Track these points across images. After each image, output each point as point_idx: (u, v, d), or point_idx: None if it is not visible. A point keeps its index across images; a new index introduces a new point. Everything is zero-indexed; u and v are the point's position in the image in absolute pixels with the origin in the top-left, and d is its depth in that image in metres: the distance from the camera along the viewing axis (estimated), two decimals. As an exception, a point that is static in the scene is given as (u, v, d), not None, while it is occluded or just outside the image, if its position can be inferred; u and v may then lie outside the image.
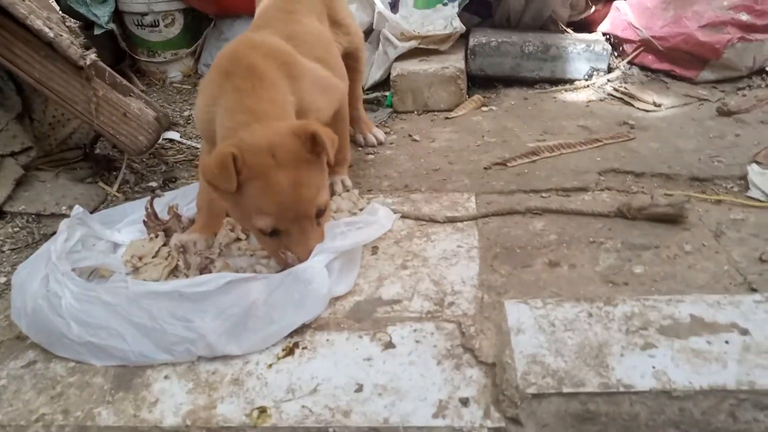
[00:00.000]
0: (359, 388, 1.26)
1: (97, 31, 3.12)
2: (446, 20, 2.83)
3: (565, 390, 1.21)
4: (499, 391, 1.22)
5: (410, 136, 2.45)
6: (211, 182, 1.42)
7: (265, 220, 1.43)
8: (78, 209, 1.67)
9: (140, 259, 1.64)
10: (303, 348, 1.38)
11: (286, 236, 1.47)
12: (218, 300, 1.36)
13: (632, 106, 2.59)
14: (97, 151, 2.35)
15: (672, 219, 1.74)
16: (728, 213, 1.77)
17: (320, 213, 1.51)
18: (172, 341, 1.35)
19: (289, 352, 1.37)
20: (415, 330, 1.40)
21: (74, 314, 1.37)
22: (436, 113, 2.68)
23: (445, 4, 2.90)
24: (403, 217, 1.85)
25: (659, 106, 2.56)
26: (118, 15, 3.27)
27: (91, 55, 1.90)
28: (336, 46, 2.06)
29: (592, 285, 1.51)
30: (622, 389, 1.20)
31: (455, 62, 2.70)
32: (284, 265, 1.50)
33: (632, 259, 1.60)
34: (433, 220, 1.82)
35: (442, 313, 1.45)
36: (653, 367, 1.24)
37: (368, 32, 2.95)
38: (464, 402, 1.22)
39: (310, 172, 1.46)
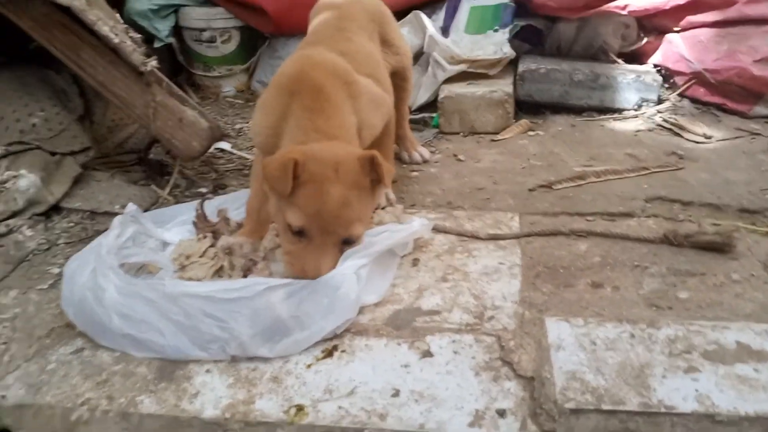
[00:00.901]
0: (396, 393, 1.27)
1: (157, 44, 3.25)
2: (496, 46, 2.85)
3: (605, 407, 1.19)
4: (537, 405, 1.21)
5: (455, 155, 2.47)
6: (269, 181, 1.46)
7: (298, 217, 1.45)
8: (132, 207, 1.72)
9: (188, 257, 1.68)
10: (342, 351, 1.39)
11: (307, 242, 1.48)
12: (251, 303, 1.38)
13: (681, 137, 2.57)
14: (152, 156, 2.42)
15: (719, 248, 1.71)
16: (779, 245, 1.74)
17: (349, 242, 1.51)
18: (206, 339, 1.38)
19: (328, 354, 1.39)
20: (453, 341, 1.40)
21: (116, 307, 1.42)
22: (482, 135, 2.69)
23: (495, 31, 2.93)
24: (445, 232, 1.86)
25: (710, 138, 2.53)
26: (177, 30, 3.39)
27: (152, 62, 1.98)
28: (385, 65, 2.11)
29: (635, 307, 1.49)
30: (663, 410, 1.18)
31: (504, 86, 2.72)
32: (291, 275, 1.50)
33: (677, 285, 1.58)
34: (475, 237, 1.82)
35: (482, 326, 1.44)
36: (696, 391, 1.22)
37: (418, 55, 2.99)
38: (501, 413, 1.21)
39: (360, 198, 1.50)
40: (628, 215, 1.94)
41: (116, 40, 1.91)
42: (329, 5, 2.14)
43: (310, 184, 1.44)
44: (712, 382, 1.24)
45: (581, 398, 1.22)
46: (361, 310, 1.51)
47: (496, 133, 2.68)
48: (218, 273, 1.64)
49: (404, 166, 2.38)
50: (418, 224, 1.72)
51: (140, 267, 1.68)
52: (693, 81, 2.84)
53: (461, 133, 2.73)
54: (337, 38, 1.95)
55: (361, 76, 1.82)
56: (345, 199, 1.45)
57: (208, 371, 1.36)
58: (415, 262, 1.72)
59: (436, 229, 1.87)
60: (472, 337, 1.41)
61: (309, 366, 1.35)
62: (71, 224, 1.95)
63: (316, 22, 2.14)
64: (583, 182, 2.16)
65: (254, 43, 3.50)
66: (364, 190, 1.51)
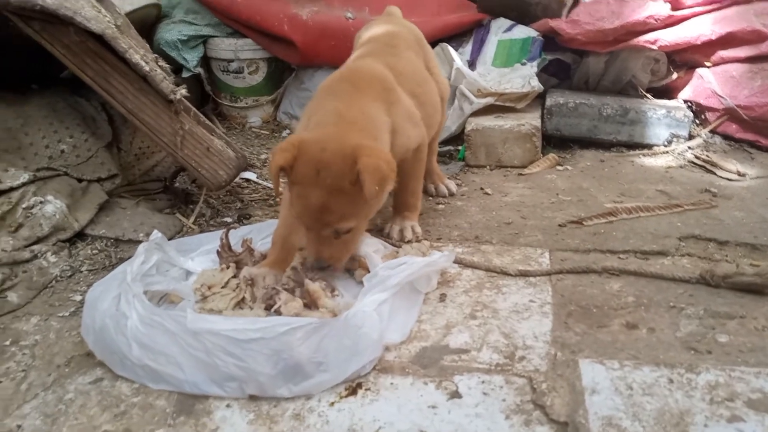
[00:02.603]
0: (423, 436, 1.22)
1: (185, 74, 3.27)
2: (524, 79, 2.83)
3: (644, 457, 1.13)
4: (572, 452, 1.16)
5: (482, 189, 2.43)
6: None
7: (294, 211, 1.61)
8: (156, 234, 1.71)
9: (209, 288, 1.65)
10: (366, 389, 1.35)
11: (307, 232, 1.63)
12: (271, 344, 1.34)
13: (714, 174, 2.51)
14: (177, 184, 2.42)
15: (759, 289, 1.66)
16: (822, 288, 1.67)
17: (342, 231, 1.60)
18: (225, 377, 1.34)
19: (352, 392, 1.34)
20: (483, 381, 1.35)
21: (137, 336, 1.39)
22: (509, 169, 2.66)
23: (523, 64, 2.91)
24: (473, 267, 1.82)
25: (743, 175, 2.47)
26: (205, 60, 3.43)
27: (182, 90, 1.98)
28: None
29: (672, 350, 1.43)
30: (707, 462, 1.12)
31: (531, 120, 2.68)
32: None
33: (716, 328, 1.52)
34: (504, 273, 1.78)
35: (513, 367, 1.39)
36: (742, 442, 1.15)
37: (445, 87, 2.98)
38: (533, 460, 1.15)
39: (341, 200, 1.54)
40: (662, 254, 1.88)
41: (146, 69, 1.92)
42: (375, 32, 2.18)
43: (297, 186, 1.57)
44: (759, 433, 1.17)
45: (619, 446, 1.16)
46: (387, 347, 1.46)
47: (524, 167, 2.65)
48: (239, 305, 1.61)
49: (430, 198, 2.35)
50: (437, 255, 1.68)
51: (163, 296, 1.66)
52: (725, 117, 2.79)
53: (488, 167, 2.70)
54: (386, 52, 2.02)
55: (404, 94, 1.87)
56: (323, 204, 1.54)
57: (228, 406, 1.32)
58: (443, 298, 1.68)
59: (464, 264, 1.83)
60: (503, 378, 1.35)
61: (332, 404, 1.31)
62: (95, 251, 1.94)
63: (364, 39, 2.19)
64: (614, 219, 2.11)
65: (281, 74, 3.52)
66: (344, 192, 1.54)
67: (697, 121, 2.89)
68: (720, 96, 2.77)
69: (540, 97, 2.91)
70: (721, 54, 2.81)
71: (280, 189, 1.58)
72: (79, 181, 2.03)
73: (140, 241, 1.92)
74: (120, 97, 1.95)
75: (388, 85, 1.81)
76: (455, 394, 1.32)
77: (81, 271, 1.87)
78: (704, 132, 2.83)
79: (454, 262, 1.81)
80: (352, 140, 1.56)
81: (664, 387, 1.30)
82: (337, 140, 1.56)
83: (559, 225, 2.08)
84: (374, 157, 1.52)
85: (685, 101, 2.93)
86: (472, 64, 3.04)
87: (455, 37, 3.22)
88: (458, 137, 2.88)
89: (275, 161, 1.54)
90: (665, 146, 2.78)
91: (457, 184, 2.47)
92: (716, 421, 1.21)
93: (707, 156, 2.64)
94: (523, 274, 1.77)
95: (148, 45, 2.21)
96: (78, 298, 1.74)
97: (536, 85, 2.80)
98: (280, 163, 1.53)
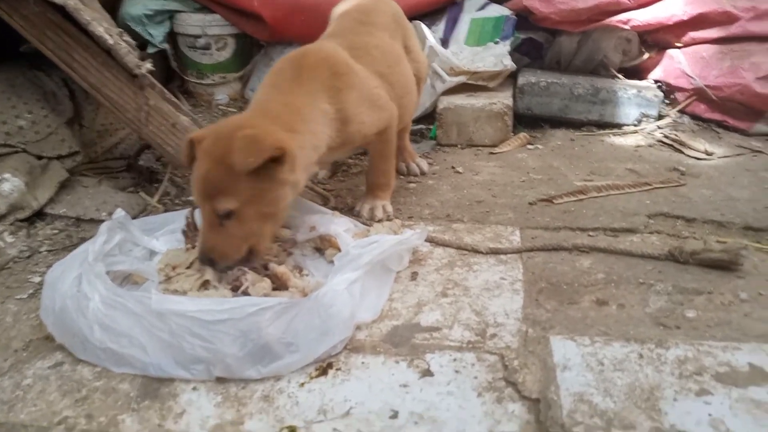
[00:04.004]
0: (394, 415, 1.20)
1: (150, 50, 3.18)
2: (497, 58, 2.81)
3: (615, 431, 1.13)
4: (543, 429, 1.15)
5: (453, 168, 2.42)
6: None
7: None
8: (120, 212, 1.66)
9: (174, 268, 1.61)
10: (337, 369, 1.33)
11: None
12: (239, 324, 1.30)
13: (682, 153, 2.53)
14: (141, 162, 2.35)
15: (726, 266, 1.67)
16: (787, 264, 1.69)
17: (222, 215, 1.49)
18: (191, 359, 1.30)
19: (323, 372, 1.32)
20: (454, 359, 1.34)
21: (99, 318, 1.34)
22: (480, 148, 2.64)
23: (496, 43, 2.89)
24: (444, 245, 1.80)
25: (711, 154, 2.49)
26: (171, 36, 3.33)
27: (147, 65, 1.92)
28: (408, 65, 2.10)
29: (642, 326, 1.44)
30: (676, 436, 1.12)
31: (503, 99, 2.67)
32: None
33: (684, 303, 1.53)
34: (475, 251, 1.77)
35: (484, 344, 1.38)
36: (709, 415, 1.16)
37: (417, 66, 2.94)
38: (505, 437, 1.15)
39: (221, 172, 1.48)
40: (631, 231, 1.89)
41: (110, 42, 1.85)
42: (349, 7, 2.13)
43: (197, 159, 1.54)
44: (726, 406, 1.18)
45: (590, 422, 1.15)
46: (358, 326, 1.44)
47: (495, 146, 2.64)
48: (204, 286, 1.57)
49: (402, 177, 2.32)
50: (409, 233, 1.66)
51: (126, 276, 1.61)
52: (694, 97, 2.81)
53: (459, 145, 2.68)
54: (357, 31, 1.97)
55: (366, 73, 1.81)
56: (206, 173, 1.50)
57: (194, 389, 1.29)
58: (414, 276, 1.66)
59: (435, 242, 1.81)
60: (474, 356, 1.34)
61: (302, 384, 1.29)
62: (55, 231, 1.88)
63: (341, 10, 2.15)
64: (584, 197, 2.11)
65: (249, 50, 3.45)
66: (227, 163, 1.47)
67: (667, 101, 2.91)
68: (690, 76, 2.79)
69: (512, 76, 2.90)
70: (691, 35, 2.83)
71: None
72: (39, 158, 1.96)
73: (102, 221, 1.85)
74: (82, 71, 1.88)
75: (338, 70, 1.74)
76: (427, 373, 1.31)
77: (40, 252, 1.81)
78: (673, 112, 2.85)
79: (426, 240, 1.80)
80: (252, 122, 1.55)
81: (634, 362, 1.31)
82: (239, 120, 1.58)
83: (530, 203, 2.07)
84: (258, 129, 1.50)
85: (656, 81, 2.94)
86: (444, 42, 3.01)
87: (428, 14, 3.18)
88: (430, 116, 2.86)
89: (189, 135, 1.59)
90: (635, 126, 2.79)
91: (429, 163, 2.45)
92: (685, 395, 1.22)
93: (676, 135, 2.66)
94: (494, 252, 1.76)
95: (112, 20, 2.13)
96: (37, 279, 1.68)
97: (509, 63, 2.79)
98: (191, 136, 1.58)
